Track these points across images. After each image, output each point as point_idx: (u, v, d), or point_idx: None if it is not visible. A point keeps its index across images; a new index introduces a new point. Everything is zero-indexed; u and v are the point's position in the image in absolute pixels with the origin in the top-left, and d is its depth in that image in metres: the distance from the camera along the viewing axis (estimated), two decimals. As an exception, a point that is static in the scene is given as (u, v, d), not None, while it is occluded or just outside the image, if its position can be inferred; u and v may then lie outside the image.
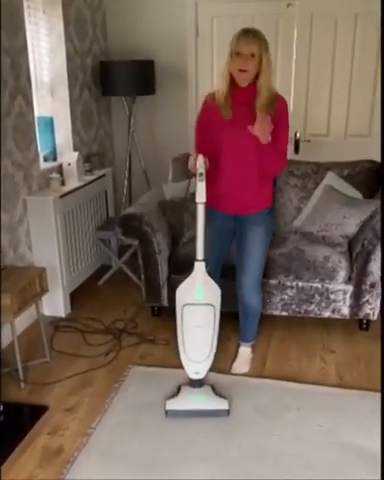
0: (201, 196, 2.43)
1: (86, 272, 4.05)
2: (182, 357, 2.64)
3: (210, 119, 2.68)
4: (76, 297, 3.86)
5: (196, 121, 2.79)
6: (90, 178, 4.03)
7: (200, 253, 2.51)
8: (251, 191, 2.74)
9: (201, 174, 2.43)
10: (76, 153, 3.89)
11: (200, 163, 2.46)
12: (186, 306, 2.55)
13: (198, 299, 2.53)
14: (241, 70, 2.52)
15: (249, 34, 2.50)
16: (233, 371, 3.01)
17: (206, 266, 2.54)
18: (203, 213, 2.46)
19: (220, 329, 2.63)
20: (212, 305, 2.56)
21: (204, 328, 2.57)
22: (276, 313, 3.40)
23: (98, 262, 4.26)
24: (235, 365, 3.05)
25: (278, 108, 2.63)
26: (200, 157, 2.49)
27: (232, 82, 2.59)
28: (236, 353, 3.12)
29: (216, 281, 2.66)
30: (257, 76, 2.55)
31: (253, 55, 2.49)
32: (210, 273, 2.69)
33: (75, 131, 4.10)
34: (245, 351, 3.12)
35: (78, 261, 3.89)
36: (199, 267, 2.52)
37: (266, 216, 2.84)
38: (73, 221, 3.77)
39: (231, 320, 3.07)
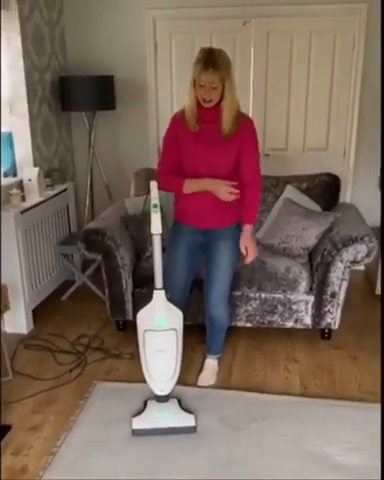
0: (156, 228, 2.41)
1: (49, 287, 4.02)
2: (146, 376, 2.63)
3: (178, 132, 2.71)
4: (39, 313, 3.82)
5: (164, 135, 2.81)
6: (51, 193, 4.02)
7: (158, 282, 2.51)
8: (219, 207, 2.72)
9: (155, 205, 2.40)
10: (36, 168, 3.87)
11: (154, 193, 2.44)
12: (147, 331, 2.52)
13: (158, 325, 2.50)
14: (204, 100, 2.56)
15: (209, 67, 2.45)
16: (199, 383, 3.02)
17: (166, 293, 2.54)
18: (159, 244, 2.45)
19: (185, 340, 2.64)
20: (174, 329, 2.53)
21: (167, 352, 2.55)
22: (240, 324, 3.43)
23: (61, 277, 4.22)
24: (201, 377, 3.05)
25: (243, 130, 2.65)
26: (153, 185, 2.48)
27: (198, 101, 2.61)
28: (202, 365, 3.14)
29: (183, 301, 2.73)
30: (220, 99, 2.58)
31: (215, 87, 2.51)
32: (176, 295, 2.79)
33: (35, 146, 4.08)
34: (211, 363, 3.12)
35: (40, 277, 3.85)
36: (158, 295, 2.51)
37: (235, 230, 2.82)
38: (35, 236, 3.74)
39: (196, 331, 3.10)
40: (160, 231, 2.41)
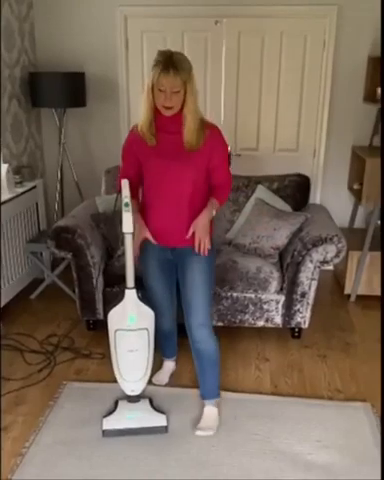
0: (128, 226, 2.37)
1: (17, 286, 3.95)
2: (117, 377, 2.60)
3: (136, 148, 2.51)
4: (7, 312, 3.76)
5: (122, 150, 2.61)
6: (20, 190, 3.95)
7: (130, 281, 2.48)
8: (184, 223, 2.50)
9: (127, 204, 2.35)
10: (5, 165, 3.80)
11: (125, 192, 2.37)
12: (118, 331, 2.50)
13: (130, 325, 2.48)
14: (165, 106, 2.34)
15: (169, 70, 2.24)
16: (197, 432, 2.58)
17: (140, 297, 2.50)
18: (131, 243, 2.41)
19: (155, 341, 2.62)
20: (146, 329, 2.51)
21: (138, 352, 2.52)
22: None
23: (30, 276, 4.16)
24: (200, 426, 2.62)
25: (211, 139, 2.44)
26: (125, 183, 2.40)
27: (157, 109, 2.39)
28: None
29: (171, 322, 2.75)
30: (182, 105, 2.36)
31: (177, 91, 2.29)
32: (165, 319, 2.75)
33: (4, 143, 4.01)
34: (211, 412, 2.67)
35: (9, 275, 3.79)
36: (130, 294, 2.48)
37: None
38: (3, 234, 3.67)
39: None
40: (132, 230, 2.39)
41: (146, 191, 2.57)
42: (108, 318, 2.54)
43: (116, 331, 2.50)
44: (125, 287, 2.50)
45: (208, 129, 2.45)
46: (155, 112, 2.40)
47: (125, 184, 2.42)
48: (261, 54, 4.40)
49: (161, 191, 2.50)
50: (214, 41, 4.38)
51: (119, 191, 2.47)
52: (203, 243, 2.49)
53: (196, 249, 2.49)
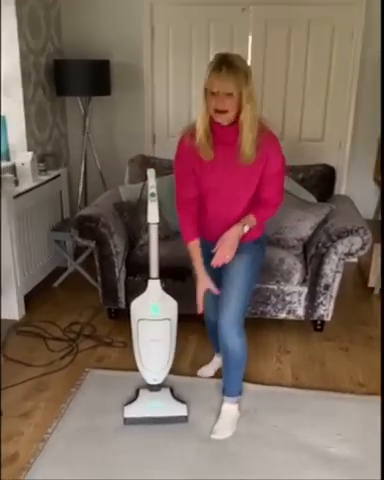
0: (153, 216, 2.34)
1: (41, 274, 3.99)
2: (139, 366, 2.61)
3: (191, 162, 2.36)
4: (31, 299, 3.80)
5: (175, 164, 2.46)
6: (45, 178, 3.98)
7: (154, 271, 2.47)
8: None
9: (153, 194, 2.32)
10: (30, 153, 3.82)
11: (151, 181, 2.33)
12: (141, 321, 2.50)
13: (153, 315, 2.48)
14: (218, 111, 2.18)
15: (222, 69, 2.08)
16: (212, 436, 2.53)
17: (162, 283, 2.48)
18: (156, 233, 2.40)
19: (179, 330, 2.61)
20: (168, 319, 2.51)
21: (161, 341, 2.52)
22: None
23: (53, 264, 4.20)
24: (215, 428, 2.56)
25: (268, 155, 2.28)
26: (151, 172, 2.34)
27: (212, 120, 2.24)
28: (195, 357, 3.11)
29: (214, 309, 2.60)
30: (238, 112, 2.19)
31: (230, 94, 2.12)
32: (210, 313, 2.68)
33: (29, 131, 4.03)
34: (230, 410, 2.63)
35: (33, 263, 3.83)
36: (153, 285, 2.48)
37: (252, 245, 2.50)
38: (27, 222, 3.70)
39: (190, 321, 3.07)
40: (157, 220, 2.38)
41: (201, 198, 2.46)
42: (131, 307, 2.54)
43: (139, 320, 2.51)
44: (149, 277, 2.50)
45: (264, 138, 2.27)
46: (212, 120, 2.24)
47: (151, 174, 2.40)
48: (288, 43, 4.34)
49: (216, 202, 2.41)
50: (240, 29, 4.33)
51: (145, 181, 2.45)
52: (222, 259, 2.39)
53: (213, 262, 2.40)
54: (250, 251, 2.48)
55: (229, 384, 2.65)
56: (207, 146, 2.28)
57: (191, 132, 2.31)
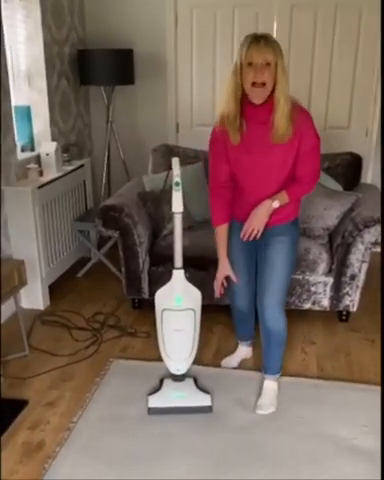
0: (178, 205, 2.34)
1: (65, 264, 4.01)
2: (163, 356, 2.61)
3: (224, 148, 2.38)
4: (55, 289, 3.82)
5: (209, 149, 2.47)
6: (69, 168, 3.98)
7: (178, 261, 2.47)
8: (272, 212, 2.41)
9: (177, 183, 2.31)
10: (54, 143, 3.83)
11: (176, 170, 2.32)
12: (165, 311, 2.50)
13: (177, 305, 2.47)
14: (255, 84, 2.16)
15: (260, 40, 2.13)
16: (258, 411, 2.60)
17: (185, 273, 2.48)
18: (180, 222, 2.40)
19: (202, 320, 2.59)
20: (192, 309, 2.50)
21: (184, 331, 2.52)
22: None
23: (77, 254, 4.21)
24: (259, 403, 2.63)
25: (301, 131, 2.26)
26: (175, 161, 2.34)
27: (242, 100, 2.24)
28: (219, 347, 3.10)
29: (248, 306, 2.71)
30: (273, 88, 2.19)
31: (268, 64, 2.13)
32: (239, 297, 2.72)
33: (53, 121, 4.03)
34: (271, 386, 2.70)
35: (57, 253, 3.84)
36: (177, 275, 2.48)
37: (289, 226, 2.51)
38: (51, 212, 3.71)
39: (214, 312, 3.07)
40: (181, 209, 2.37)
41: (236, 180, 2.47)
42: (155, 298, 2.54)
43: (163, 311, 2.50)
44: (173, 267, 2.49)
45: (297, 113, 2.25)
46: (242, 103, 2.25)
47: (175, 162, 2.38)
48: (314, 29, 4.28)
49: (251, 185, 2.41)
50: (265, 16, 4.27)
51: (169, 170, 2.43)
52: (252, 232, 2.41)
53: (242, 234, 2.43)
54: (288, 233, 2.50)
55: (270, 362, 2.69)
56: (235, 126, 2.27)
57: (221, 123, 2.34)
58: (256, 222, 2.39)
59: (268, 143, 2.27)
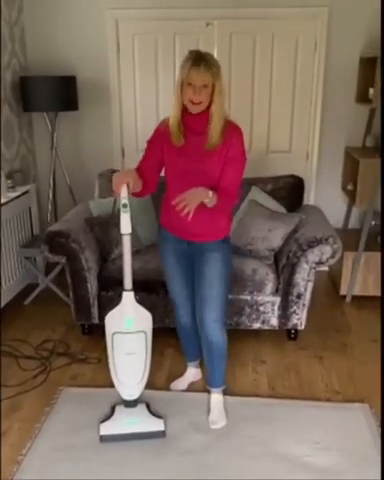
0: (126, 227, 2.37)
1: (11, 291, 3.92)
2: (114, 381, 2.58)
3: (161, 145, 2.51)
4: (2, 318, 3.73)
5: (149, 139, 2.59)
6: (13, 195, 3.93)
7: (128, 283, 2.47)
8: (202, 219, 2.44)
9: (125, 205, 2.34)
10: (-2, 170, 3.78)
11: (123, 193, 2.35)
12: (116, 334, 2.48)
13: (128, 328, 2.47)
14: (193, 102, 2.36)
15: (201, 64, 2.30)
16: (212, 426, 2.68)
17: (135, 296, 2.48)
18: (129, 244, 2.41)
19: (153, 344, 2.59)
20: (143, 332, 2.50)
21: (136, 355, 2.51)
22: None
23: (24, 281, 4.13)
24: (211, 419, 2.71)
25: (230, 138, 2.42)
26: (123, 188, 2.35)
27: (185, 108, 2.43)
28: (171, 371, 3.09)
29: (190, 317, 2.75)
30: (209, 103, 2.38)
31: (205, 86, 2.32)
32: (181, 309, 2.77)
33: (-3, 148, 3.99)
34: (217, 399, 2.80)
35: (3, 280, 3.76)
36: (127, 297, 2.48)
37: (220, 244, 2.58)
38: (-4, 240, 3.65)
39: (164, 334, 3.06)
40: (130, 231, 2.38)
41: (169, 186, 2.58)
42: (105, 321, 2.52)
43: (114, 334, 2.49)
44: (123, 290, 2.48)
45: (230, 128, 2.44)
46: (183, 112, 2.44)
47: (124, 187, 2.39)
48: (253, 56, 4.40)
49: (180, 190, 2.35)
50: (206, 43, 4.36)
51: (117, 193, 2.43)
52: (186, 205, 2.25)
53: (174, 201, 2.29)
54: (220, 250, 2.59)
55: (214, 375, 2.78)
56: (178, 133, 2.45)
57: (166, 122, 2.51)
58: (191, 197, 2.27)
59: (202, 150, 2.44)
